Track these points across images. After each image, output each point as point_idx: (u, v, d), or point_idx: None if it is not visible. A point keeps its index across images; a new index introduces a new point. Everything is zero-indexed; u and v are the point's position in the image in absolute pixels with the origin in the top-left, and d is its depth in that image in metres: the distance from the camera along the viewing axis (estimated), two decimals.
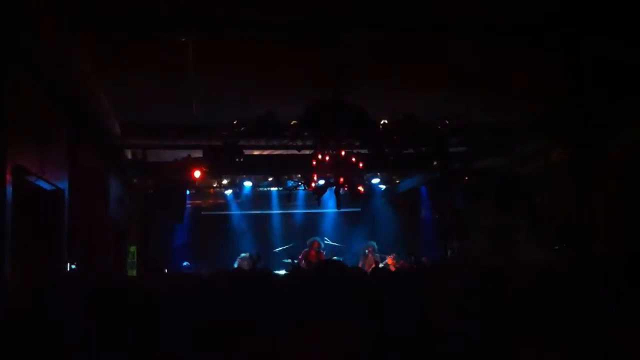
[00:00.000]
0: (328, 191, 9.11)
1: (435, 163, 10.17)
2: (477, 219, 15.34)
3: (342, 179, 7.99)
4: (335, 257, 13.36)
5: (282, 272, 10.06)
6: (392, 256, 14.31)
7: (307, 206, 16.02)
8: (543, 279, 3.06)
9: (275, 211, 16.70)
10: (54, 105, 6.19)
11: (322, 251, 13.07)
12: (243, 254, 13.44)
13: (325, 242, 13.35)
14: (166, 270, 12.11)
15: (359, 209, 16.74)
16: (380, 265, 12.76)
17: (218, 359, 3.01)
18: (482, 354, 2.74)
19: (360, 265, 12.87)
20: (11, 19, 4.50)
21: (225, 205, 16.17)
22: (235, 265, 12.78)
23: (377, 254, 13.50)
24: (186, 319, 3.19)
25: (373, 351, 2.81)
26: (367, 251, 13.45)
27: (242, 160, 9.39)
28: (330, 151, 7.92)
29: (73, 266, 6.60)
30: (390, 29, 7.68)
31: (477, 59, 8.83)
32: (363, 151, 8.52)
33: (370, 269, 6.95)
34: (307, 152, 8.44)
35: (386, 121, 8.38)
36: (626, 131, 9.28)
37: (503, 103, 10.75)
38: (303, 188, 9.75)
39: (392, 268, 11.41)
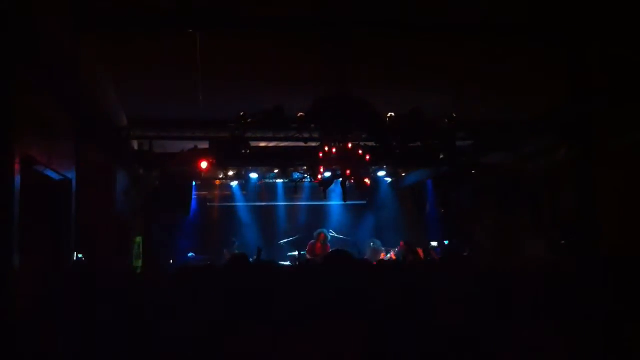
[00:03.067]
0: (334, 183, 9.10)
1: (441, 157, 10.16)
2: (481, 217, 15.32)
3: (348, 172, 7.98)
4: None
5: (287, 263, 10.10)
6: (395, 249, 14.36)
7: (313, 198, 16.05)
8: (546, 279, 3.06)
9: (281, 203, 16.73)
10: (61, 99, 6.21)
11: (327, 243, 13.09)
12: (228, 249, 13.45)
13: (331, 234, 13.37)
14: (171, 262, 12.15)
15: (364, 202, 16.77)
16: (385, 257, 12.80)
17: (219, 356, 3.02)
18: (484, 353, 2.74)
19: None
20: (18, 16, 4.51)
21: (231, 197, 16.21)
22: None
23: (381, 248, 13.54)
24: (187, 313, 3.20)
25: (377, 347, 2.82)
26: (372, 245, 13.50)
27: (248, 151, 9.40)
28: (337, 144, 7.91)
29: (80, 255, 6.64)
30: (393, 29, 7.67)
31: (482, 58, 8.81)
32: (370, 144, 8.51)
33: (376, 262, 6.96)
34: (314, 144, 8.44)
35: (393, 114, 8.37)
36: (630, 130, 9.23)
37: (508, 101, 10.73)
38: (309, 180, 9.73)
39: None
